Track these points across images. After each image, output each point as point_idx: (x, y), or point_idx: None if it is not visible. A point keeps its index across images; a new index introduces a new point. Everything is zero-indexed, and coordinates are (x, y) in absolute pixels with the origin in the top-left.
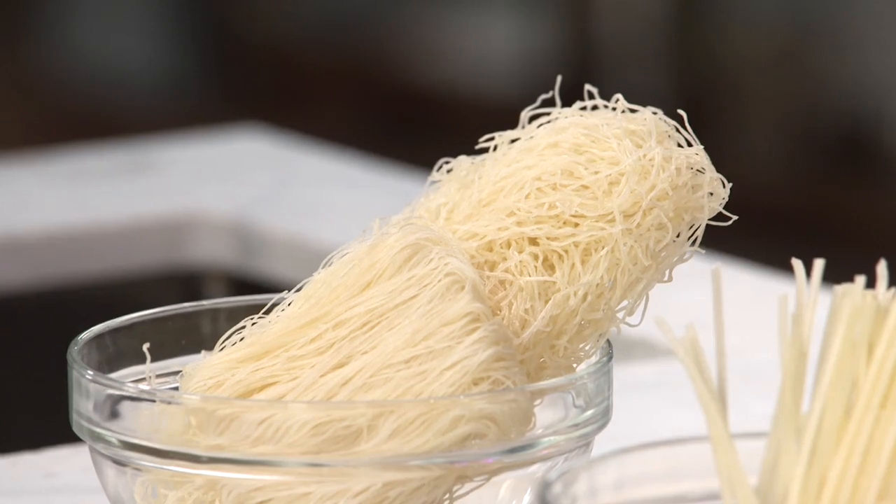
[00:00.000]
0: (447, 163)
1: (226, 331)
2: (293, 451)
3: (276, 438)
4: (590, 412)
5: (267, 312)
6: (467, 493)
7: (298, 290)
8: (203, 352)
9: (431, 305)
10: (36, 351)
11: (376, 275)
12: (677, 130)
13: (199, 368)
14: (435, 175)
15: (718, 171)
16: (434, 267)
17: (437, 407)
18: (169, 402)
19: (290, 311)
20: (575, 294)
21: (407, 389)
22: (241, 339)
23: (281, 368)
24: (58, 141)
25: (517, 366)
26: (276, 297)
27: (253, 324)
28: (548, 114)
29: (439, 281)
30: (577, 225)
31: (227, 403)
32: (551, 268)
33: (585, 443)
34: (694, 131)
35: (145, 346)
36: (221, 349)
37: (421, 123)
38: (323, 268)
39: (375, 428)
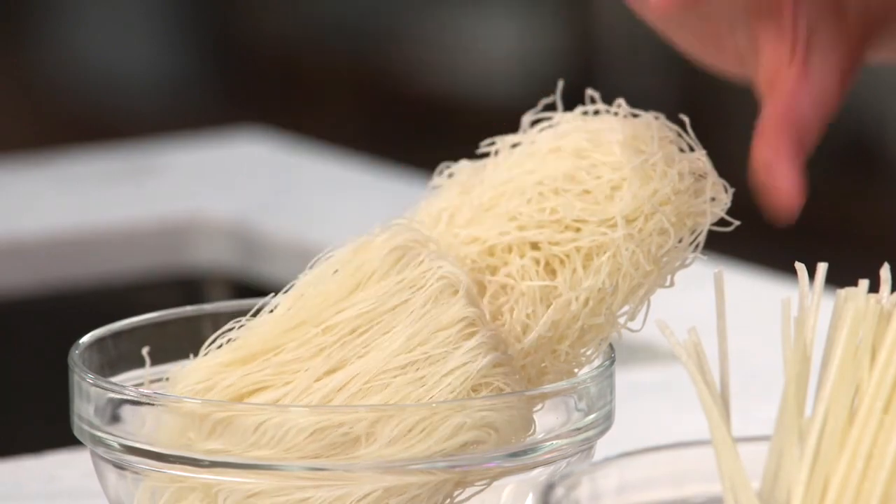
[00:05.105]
0: (448, 167)
1: None
2: (292, 456)
3: (273, 443)
4: (592, 416)
5: (254, 315)
6: (469, 497)
7: (285, 292)
8: (191, 355)
9: (425, 309)
10: (37, 354)
11: (365, 276)
12: (679, 135)
13: (186, 373)
14: (436, 179)
15: (721, 176)
16: (425, 269)
17: (439, 411)
18: (170, 406)
19: (277, 314)
20: (576, 299)
21: (406, 395)
22: (228, 342)
23: (272, 373)
24: (60, 144)
25: (516, 372)
26: (264, 300)
27: (240, 326)
28: (549, 118)
29: (432, 284)
30: (578, 230)
31: (225, 407)
32: (553, 273)
33: (588, 447)
34: (696, 136)
35: (145, 350)
36: (206, 353)
37: (423, 127)
38: (309, 269)
39: (374, 434)
